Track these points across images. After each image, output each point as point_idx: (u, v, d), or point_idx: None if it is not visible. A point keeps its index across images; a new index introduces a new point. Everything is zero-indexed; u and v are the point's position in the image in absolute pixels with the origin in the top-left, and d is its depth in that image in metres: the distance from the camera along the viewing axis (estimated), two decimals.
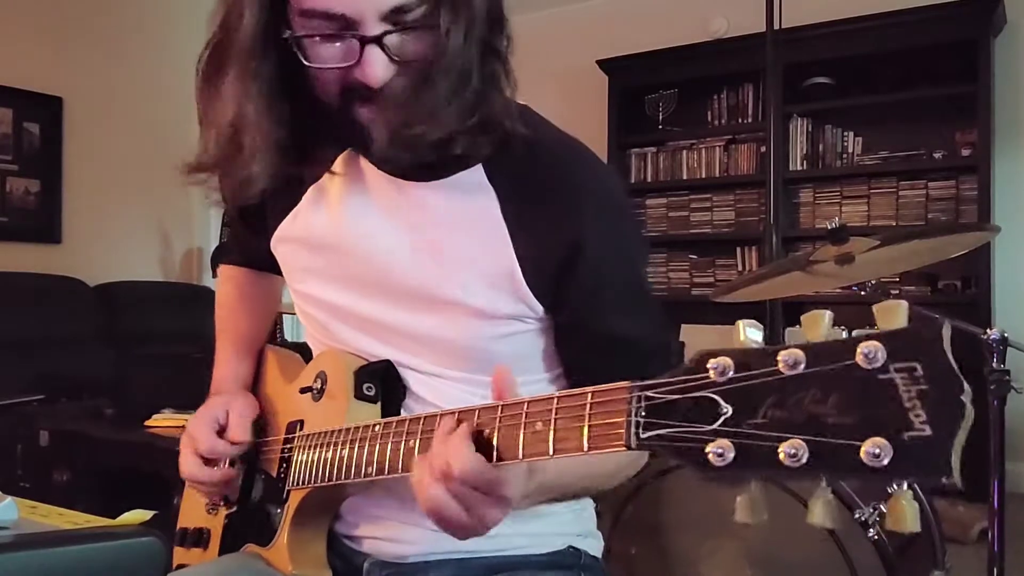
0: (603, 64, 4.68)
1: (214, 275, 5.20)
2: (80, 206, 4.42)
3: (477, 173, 0.85)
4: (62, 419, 2.78)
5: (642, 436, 0.57)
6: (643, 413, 0.57)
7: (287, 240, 0.99)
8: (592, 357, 0.90)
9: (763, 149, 4.27)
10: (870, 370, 0.47)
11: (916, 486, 1.64)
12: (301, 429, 0.96)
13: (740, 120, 4.56)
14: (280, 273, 1.13)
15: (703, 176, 4.63)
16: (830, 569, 1.39)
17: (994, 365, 1.50)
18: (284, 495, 0.94)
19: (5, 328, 3.59)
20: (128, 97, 4.65)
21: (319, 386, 0.94)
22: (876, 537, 1.37)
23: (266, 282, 1.19)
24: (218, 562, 1.01)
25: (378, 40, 0.72)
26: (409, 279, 0.89)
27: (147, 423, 2.52)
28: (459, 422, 0.69)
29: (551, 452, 0.63)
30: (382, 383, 0.90)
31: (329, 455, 0.86)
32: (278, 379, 1.09)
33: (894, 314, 0.48)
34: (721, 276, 4.55)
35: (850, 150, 4.26)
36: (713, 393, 0.53)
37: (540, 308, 0.87)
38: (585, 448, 0.61)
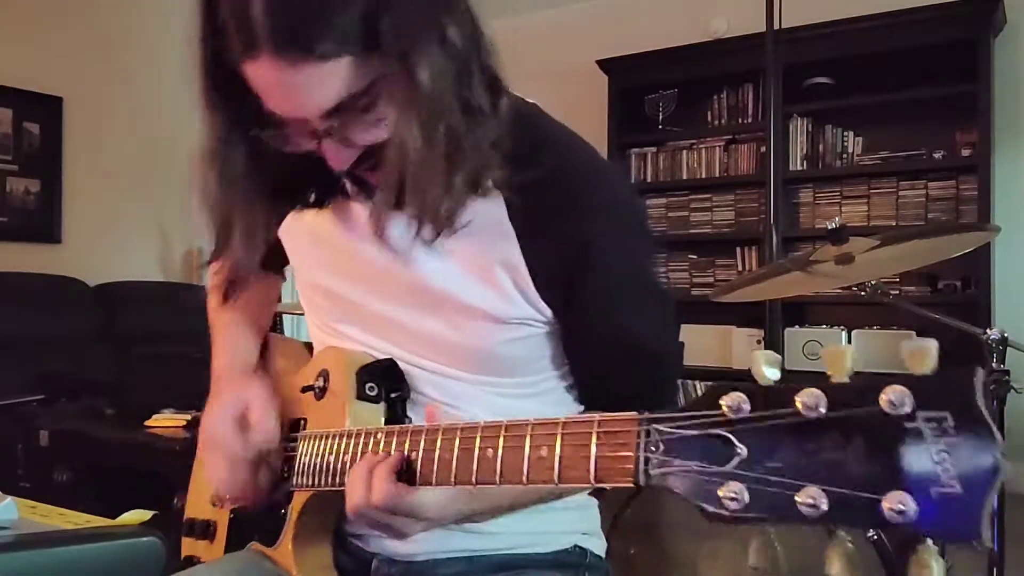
0: (603, 64, 4.68)
1: None
2: (80, 206, 4.42)
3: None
4: (62, 419, 2.77)
5: (652, 473, 0.55)
6: (653, 448, 0.55)
7: (295, 233, 0.98)
8: (602, 360, 0.91)
9: (763, 149, 4.27)
10: (895, 417, 0.44)
11: None
12: (303, 428, 0.95)
13: (740, 120, 4.56)
14: (275, 271, 1.13)
15: (703, 176, 4.63)
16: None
17: (994, 365, 1.50)
18: (288, 496, 0.93)
19: (5, 328, 3.59)
20: (128, 97, 4.65)
21: (321, 384, 0.93)
22: (876, 537, 1.37)
23: (264, 276, 1.15)
24: (226, 560, 1.01)
25: (327, 134, 0.75)
26: (418, 282, 0.88)
27: (147, 423, 2.52)
28: (394, 452, 0.76)
29: (556, 480, 0.62)
30: (385, 382, 0.89)
31: (332, 459, 0.85)
32: (280, 371, 1.07)
33: (924, 357, 0.45)
34: (721, 276, 4.55)
35: (850, 150, 4.26)
36: (728, 432, 0.51)
37: (549, 312, 0.87)
38: (592, 480, 0.59)
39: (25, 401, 2.95)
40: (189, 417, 2.52)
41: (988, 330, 1.50)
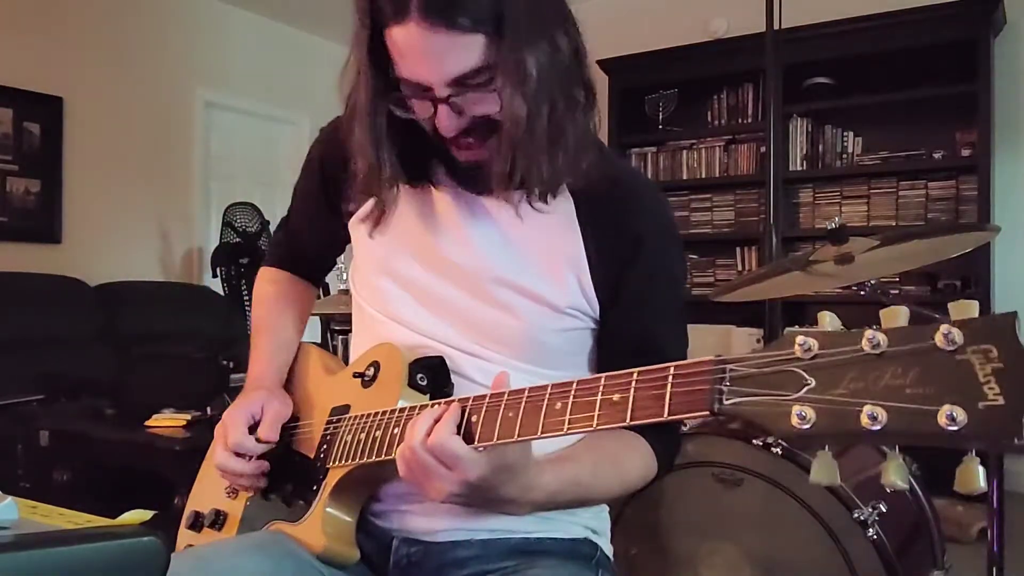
0: (603, 64, 4.67)
1: (214, 275, 5.18)
2: (80, 206, 4.42)
3: None
4: (62, 419, 2.77)
5: (725, 403, 0.61)
6: (727, 383, 0.61)
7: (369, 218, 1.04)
8: (622, 358, 0.94)
9: (763, 149, 4.27)
10: (948, 351, 0.52)
11: (917, 486, 1.64)
12: (347, 413, 0.98)
13: (740, 120, 4.56)
14: (316, 283, 1.25)
15: (703, 176, 4.63)
16: (830, 569, 1.39)
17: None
18: (322, 474, 0.95)
19: (5, 328, 3.59)
20: (128, 97, 4.65)
21: (371, 373, 0.97)
22: (876, 537, 1.37)
23: (305, 288, 1.26)
24: (245, 536, 1.02)
25: (444, 100, 0.86)
26: (487, 269, 0.96)
27: (147, 423, 2.52)
28: (462, 410, 0.80)
29: (628, 419, 0.68)
30: (434, 376, 0.94)
31: (379, 433, 0.89)
32: (320, 369, 1.12)
33: (967, 309, 0.54)
34: (721, 276, 4.56)
35: (850, 150, 4.26)
36: (797, 368, 0.58)
37: (596, 305, 0.97)
38: (666, 412, 0.65)
39: (25, 401, 2.95)
40: (189, 417, 2.52)
41: None
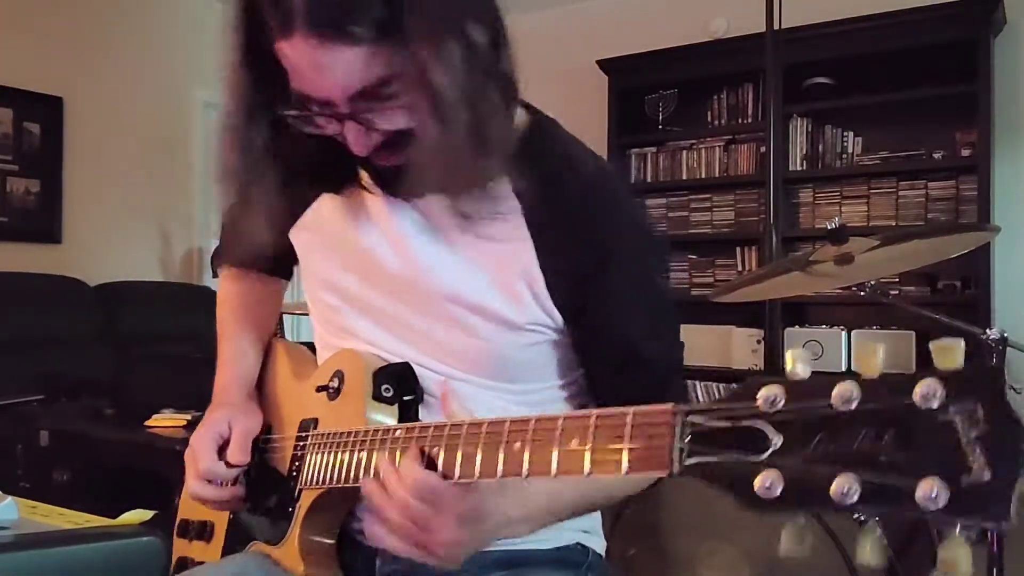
0: (603, 64, 4.67)
1: (214, 275, 5.20)
2: (80, 206, 4.42)
3: (503, 185, 0.86)
4: (62, 419, 2.77)
5: (686, 463, 0.56)
6: (688, 439, 0.56)
7: (309, 228, 0.99)
8: (607, 370, 0.92)
9: (763, 149, 4.27)
10: (927, 410, 0.46)
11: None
12: (315, 428, 0.95)
13: (740, 120, 4.55)
14: (284, 276, 1.16)
15: (703, 176, 4.63)
16: (830, 569, 1.39)
17: (994, 365, 1.50)
18: (296, 494, 0.93)
19: (5, 328, 3.59)
20: (128, 97, 4.65)
21: (336, 385, 0.94)
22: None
23: (269, 285, 1.19)
24: (228, 561, 1.01)
25: (350, 117, 0.78)
26: (435, 286, 0.90)
27: (147, 423, 2.52)
28: (420, 449, 0.73)
29: (587, 471, 0.62)
30: (400, 385, 0.90)
31: (346, 457, 0.85)
32: (288, 374, 1.08)
33: (951, 354, 0.47)
34: (721, 276, 4.55)
35: (850, 150, 4.26)
36: (762, 423, 0.52)
37: (560, 319, 0.90)
38: (624, 470, 0.60)
39: (25, 401, 2.95)
40: (189, 417, 2.52)
41: (988, 330, 1.50)
